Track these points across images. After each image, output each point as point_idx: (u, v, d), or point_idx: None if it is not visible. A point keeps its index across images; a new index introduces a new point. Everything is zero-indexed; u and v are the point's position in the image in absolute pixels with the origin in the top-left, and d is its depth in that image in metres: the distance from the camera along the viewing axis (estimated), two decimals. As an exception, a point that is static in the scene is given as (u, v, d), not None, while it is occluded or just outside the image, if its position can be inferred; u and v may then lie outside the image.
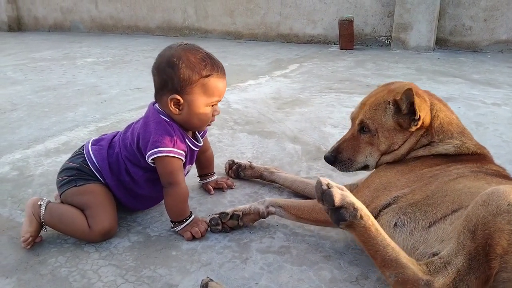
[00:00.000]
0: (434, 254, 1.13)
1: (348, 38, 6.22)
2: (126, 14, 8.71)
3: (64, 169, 1.66)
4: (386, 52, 6.01)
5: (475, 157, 1.49)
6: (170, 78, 1.51)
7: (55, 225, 1.55)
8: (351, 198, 1.16)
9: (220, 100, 1.62)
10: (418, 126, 1.50)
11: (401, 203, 1.36)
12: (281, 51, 6.34)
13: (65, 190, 1.60)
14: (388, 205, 1.39)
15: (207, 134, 1.84)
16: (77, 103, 3.51)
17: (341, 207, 1.14)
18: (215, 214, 1.61)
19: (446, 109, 1.59)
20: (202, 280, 1.25)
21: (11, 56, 6.11)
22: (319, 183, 1.16)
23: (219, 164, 2.21)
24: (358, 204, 1.16)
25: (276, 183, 1.97)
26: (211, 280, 1.25)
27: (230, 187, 1.95)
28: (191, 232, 1.55)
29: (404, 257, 1.10)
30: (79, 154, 1.68)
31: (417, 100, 1.45)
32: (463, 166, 1.42)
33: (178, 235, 1.58)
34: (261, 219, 1.64)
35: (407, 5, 5.94)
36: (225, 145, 2.52)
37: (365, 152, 1.60)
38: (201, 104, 1.54)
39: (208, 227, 1.60)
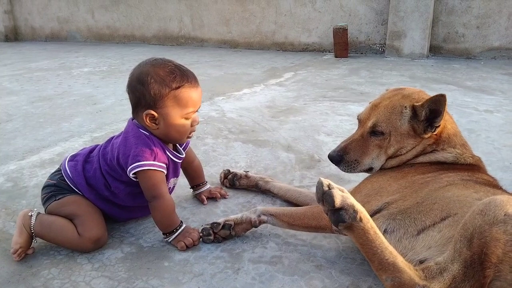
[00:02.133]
0: (421, 261, 1.15)
1: (342, 46, 6.26)
2: (123, 24, 8.76)
3: (44, 187, 1.69)
4: (380, 60, 6.05)
5: (468, 167, 1.53)
6: (142, 95, 1.54)
7: (46, 235, 1.56)
8: (352, 200, 1.16)
9: (196, 110, 1.62)
10: (435, 133, 1.53)
11: (392, 209, 1.38)
12: (276, 59, 6.38)
13: (47, 206, 1.62)
14: (378, 211, 1.41)
15: (190, 145, 1.85)
16: (73, 113, 3.52)
17: (341, 209, 1.14)
18: (207, 225, 1.62)
19: (452, 120, 1.64)
20: (194, 291, 1.26)
21: (8, 66, 6.12)
22: (320, 184, 1.16)
23: (213, 174, 2.23)
24: (358, 206, 1.16)
25: (271, 192, 1.98)
26: (203, 291, 1.26)
27: (223, 196, 1.96)
28: (184, 242, 1.56)
29: (401, 261, 1.11)
30: (58, 171, 1.71)
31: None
32: (454, 175, 1.45)
33: (171, 245, 1.59)
34: (254, 229, 1.65)
35: (401, 13, 6.01)
36: (219, 154, 2.54)
37: (372, 154, 1.61)
38: (175, 116, 1.55)
39: (200, 237, 1.61)
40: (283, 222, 1.57)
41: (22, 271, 1.46)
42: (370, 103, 1.70)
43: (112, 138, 1.72)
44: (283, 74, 5.14)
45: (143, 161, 1.52)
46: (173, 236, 1.57)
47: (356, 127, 1.71)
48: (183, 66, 1.60)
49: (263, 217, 1.60)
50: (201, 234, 1.60)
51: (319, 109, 3.52)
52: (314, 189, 2.02)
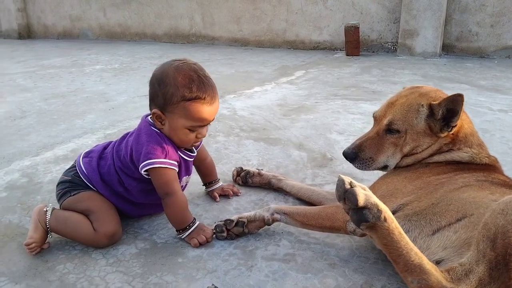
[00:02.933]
0: (437, 262, 1.14)
1: (354, 44, 6.23)
2: (134, 22, 8.81)
3: (59, 183, 1.70)
4: (392, 58, 6.01)
5: (484, 167, 1.51)
6: (155, 94, 1.56)
7: (61, 230, 1.57)
8: (375, 198, 1.11)
9: (203, 126, 1.59)
10: (451, 133, 1.52)
11: (407, 211, 1.37)
12: (287, 57, 6.36)
13: (63, 202, 1.64)
14: (393, 212, 1.39)
15: (202, 143, 1.85)
16: (86, 110, 3.55)
17: (364, 208, 1.09)
18: (220, 221, 1.63)
19: (469, 120, 1.62)
20: None
21: (21, 64, 6.20)
22: (341, 181, 1.11)
23: (225, 171, 2.23)
24: (382, 205, 1.11)
25: (284, 190, 1.98)
26: (217, 287, 1.27)
27: (236, 194, 1.97)
28: (197, 239, 1.56)
29: (427, 263, 1.08)
30: (73, 167, 1.73)
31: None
32: (470, 175, 1.43)
33: (184, 242, 1.60)
34: (266, 226, 1.65)
35: (413, 12, 5.95)
36: (231, 152, 2.54)
37: (388, 152, 1.60)
38: (179, 125, 1.55)
39: (214, 233, 1.61)
40: (297, 221, 1.57)
41: (38, 266, 1.48)
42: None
43: (126, 134, 1.73)
44: (294, 73, 5.13)
45: (154, 158, 1.53)
46: (187, 233, 1.58)
47: (368, 125, 1.70)
48: (207, 78, 1.55)
49: (276, 216, 1.60)
50: (214, 231, 1.61)
51: (330, 107, 3.51)
52: (327, 188, 2.03)
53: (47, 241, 1.57)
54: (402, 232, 1.12)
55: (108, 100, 3.90)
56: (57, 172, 2.25)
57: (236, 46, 7.74)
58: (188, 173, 1.75)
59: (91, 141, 2.75)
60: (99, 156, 1.70)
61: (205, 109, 1.54)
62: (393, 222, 1.11)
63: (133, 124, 3.11)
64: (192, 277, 1.40)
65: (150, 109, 1.61)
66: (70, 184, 1.66)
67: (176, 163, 1.60)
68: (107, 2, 8.94)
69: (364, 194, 1.09)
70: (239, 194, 1.98)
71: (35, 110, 3.60)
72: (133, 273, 1.43)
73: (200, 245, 1.56)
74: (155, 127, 1.61)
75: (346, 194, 1.09)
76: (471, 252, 1.07)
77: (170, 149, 1.58)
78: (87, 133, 2.94)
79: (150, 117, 1.64)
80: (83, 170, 1.67)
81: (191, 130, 1.57)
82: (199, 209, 1.86)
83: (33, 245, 1.51)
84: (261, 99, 3.83)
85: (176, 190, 1.58)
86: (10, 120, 3.31)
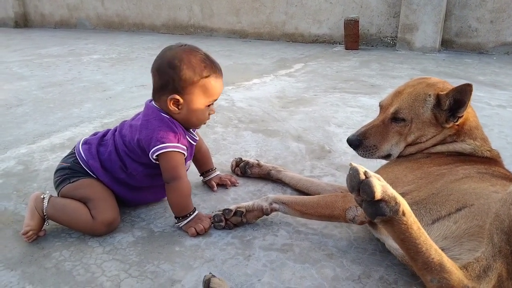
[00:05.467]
0: None
1: (353, 38, 6.21)
2: (132, 12, 8.73)
3: (58, 170, 1.69)
4: (391, 53, 5.99)
5: (486, 160, 1.51)
6: (171, 79, 1.55)
7: (59, 217, 1.56)
8: (392, 190, 1.01)
9: (216, 100, 1.68)
10: (457, 123, 1.52)
11: (407, 200, 1.35)
12: (286, 50, 6.33)
13: (61, 189, 1.62)
14: None
15: (197, 130, 1.86)
16: (83, 99, 3.52)
17: (380, 200, 0.99)
18: (219, 211, 1.62)
19: (474, 114, 1.63)
20: (205, 276, 1.26)
21: (18, 52, 6.14)
22: (355, 171, 0.99)
23: (223, 162, 2.22)
24: (400, 198, 1.01)
25: (282, 181, 1.97)
26: (214, 276, 1.26)
27: (233, 184, 1.96)
28: (195, 228, 1.56)
29: (447, 260, 1.02)
30: (71, 154, 1.72)
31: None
32: (471, 167, 1.43)
33: (181, 231, 1.59)
34: (265, 216, 1.64)
35: (413, 6, 5.93)
36: (229, 143, 2.53)
37: (392, 140, 1.61)
38: (200, 103, 1.60)
39: (212, 223, 1.61)
40: (296, 211, 1.57)
41: (34, 253, 1.47)
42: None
43: (124, 121, 1.72)
44: (293, 65, 5.11)
45: (168, 142, 1.55)
46: (185, 221, 1.57)
47: (367, 118, 1.70)
48: (211, 56, 1.64)
49: (275, 205, 1.59)
50: (212, 220, 1.60)
51: (329, 100, 3.50)
52: (325, 179, 2.02)
53: (43, 228, 1.56)
54: (421, 227, 1.04)
55: (106, 90, 3.87)
56: (54, 160, 2.23)
57: (235, 38, 7.69)
58: (191, 157, 1.78)
59: (88, 130, 2.73)
60: (98, 143, 1.68)
61: (218, 83, 1.63)
62: (412, 216, 1.03)
63: (130, 113, 3.09)
64: (189, 266, 1.40)
65: (159, 97, 1.61)
66: (69, 171, 1.65)
67: (185, 148, 1.61)
68: (105, -8, 8.86)
69: (380, 186, 0.99)
70: (237, 184, 1.97)
71: (32, 98, 3.56)
72: (129, 261, 1.42)
73: (198, 234, 1.55)
74: (165, 113, 1.60)
75: (361, 185, 0.99)
76: (485, 246, 1.02)
77: (181, 134, 1.61)
78: (84, 122, 2.91)
79: (157, 104, 1.63)
80: (82, 157, 1.65)
81: (208, 106, 1.64)
82: (196, 199, 1.84)
83: (30, 232, 1.50)
84: (259, 91, 3.81)
85: (183, 175, 1.59)
86: (6, 108, 3.28)
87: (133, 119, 1.70)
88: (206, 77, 1.57)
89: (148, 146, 1.56)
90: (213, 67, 1.60)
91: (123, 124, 1.71)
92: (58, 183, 1.64)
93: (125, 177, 1.65)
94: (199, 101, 1.59)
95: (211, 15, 7.91)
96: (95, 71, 4.77)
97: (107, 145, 1.67)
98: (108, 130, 1.76)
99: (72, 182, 1.61)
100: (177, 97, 1.56)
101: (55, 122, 2.90)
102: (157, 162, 1.58)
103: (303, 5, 7.00)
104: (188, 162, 1.74)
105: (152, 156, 1.56)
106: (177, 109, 1.59)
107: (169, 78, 1.55)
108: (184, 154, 1.61)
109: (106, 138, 1.70)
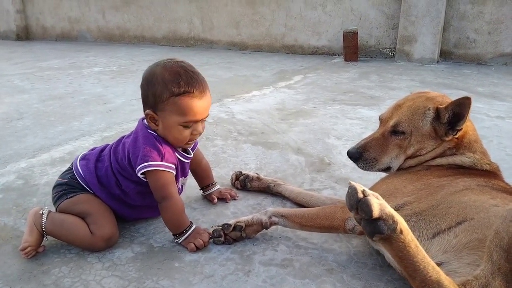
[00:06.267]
0: (437, 264, 1.12)
1: (352, 49, 6.25)
2: (133, 24, 8.80)
3: (55, 186, 1.69)
4: (390, 64, 6.03)
5: (485, 173, 1.52)
6: (146, 94, 1.56)
7: (57, 233, 1.56)
8: (390, 208, 1.04)
9: (197, 121, 1.57)
10: (456, 136, 1.54)
11: (406, 211, 1.36)
12: (285, 62, 6.37)
13: (59, 205, 1.62)
14: None
15: (198, 145, 1.84)
16: (83, 113, 3.54)
17: (378, 219, 1.02)
18: (218, 226, 1.61)
19: (473, 127, 1.64)
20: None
21: (19, 65, 6.18)
22: (353, 190, 1.03)
23: (223, 175, 2.22)
24: (398, 216, 1.04)
25: (282, 195, 1.97)
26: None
27: (233, 198, 1.96)
28: (194, 244, 1.55)
29: (445, 278, 1.02)
30: (69, 170, 1.72)
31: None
32: (470, 180, 1.44)
33: (181, 246, 1.58)
34: (264, 231, 1.64)
35: (412, 18, 5.98)
36: (229, 155, 2.53)
37: (392, 153, 1.62)
38: (172, 122, 1.54)
39: (211, 238, 1.60)
40: (295, 223, 1.56)
41: (33, 269, 1.46)
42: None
43: (122, 137, 1.72)
44: (292, 77, 5.13)
45: (151, 161, 1.52)
46: (183, 237, 1.56)
47: (366, 131, 1.71)
48: (195, 73, 1.54)
49: (274, 219, 1.59)
50: (211, 236, 1.60)
51: (329, 112, 3.51)
52: (325, 193, 2.02)
53: (42, 244, 1.55)
54: (418, 244, 1.06)
55: (106, 103, 3.89)
56: (54, 174, 2.23)
57: (235, 50, 7.74)
58: (184, 174, 1.74)
59: (88, 144, 2.74)
60: (96, 159, 1.68)
61: (195, 103, 1.52)
62: (409, 234, 1.05)
63: (130, 126, 3.10)
64: (189, 282, 1.39)
65: (144, 113, 1.61)
66: (66, 187, 1.65)
67: (173, 166, 1.59)
68: (106, 5, 8.94)
69: (378, 204, 1.02)
70: (237, 198, 1.97)
71: (32, 111, 3.58)
72: (129, 277, 1.41)
73: (197, 249, 1.55)
74: (152, 130, 1.60)
75: (359, 204, 1.02)
76: (484, 264, 1.02)
77: (167, 151, 1.57)
78: (84, 135, 2.92)
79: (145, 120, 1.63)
80: (80, 173, 1.65)
81: (185, 126, 1.55)
82: (196, 213, 1.84)
83: (29, 248, 1.49)
84: (259, 103, 3.83)
85: (172, 194, 1.56)
86: (7, 121, 3.29)
87: (128, 135, 1.70)
88: (178, 95, 1.49)
89: (134, 164, 1.55)
90: (188, 85, 1.50)
91: (119, 140, 1.72)
92: (56, 199, 1.65)
93: (120, 193, 1.64)
94: (171, 119, 1.52)
95: (211, 27, 7.98)
96: (95, 83, 4.79)
97: (104, 161, 1.67)
98: (106, 145, 1.77)
99: (70, 197, 1.61)
100: (151, 113, 1.55)
101: (55, 136, 2.91)
102: (146, 180, 1.57)
103: (302, 18, 7.06)
104: (181, 179, 1.72)
105: (138, 173, 1.55)
106: (154, 125, 1.57)
107: (145, 93, 1.57)
108: (172, 173, 1.58)
109: (103, 154, 1.71)
